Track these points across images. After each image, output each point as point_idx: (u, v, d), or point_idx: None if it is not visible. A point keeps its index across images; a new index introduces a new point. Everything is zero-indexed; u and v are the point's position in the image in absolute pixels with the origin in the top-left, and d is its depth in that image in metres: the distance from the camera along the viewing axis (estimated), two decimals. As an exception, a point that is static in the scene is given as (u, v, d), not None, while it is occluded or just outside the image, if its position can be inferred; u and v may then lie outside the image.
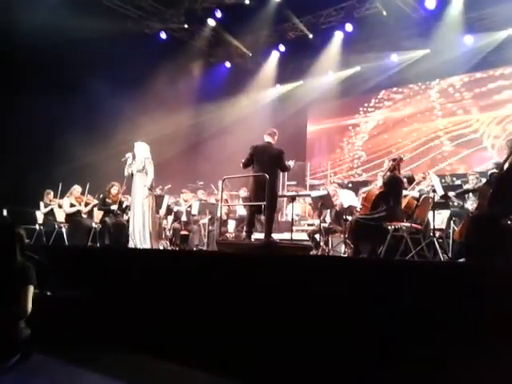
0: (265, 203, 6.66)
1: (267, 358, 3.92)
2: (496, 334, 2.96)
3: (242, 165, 7.14)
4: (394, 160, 6.50)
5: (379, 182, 6.53)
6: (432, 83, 12.95)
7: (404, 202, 6.48)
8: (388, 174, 6.39)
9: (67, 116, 9.98)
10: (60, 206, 9.34)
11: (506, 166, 5.02)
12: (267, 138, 7.14)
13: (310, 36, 12.82)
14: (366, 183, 10.35)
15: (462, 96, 12.38)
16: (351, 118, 14.41)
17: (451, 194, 6.95)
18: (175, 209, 9.78)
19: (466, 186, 7.56)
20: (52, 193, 9.58)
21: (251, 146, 7.06)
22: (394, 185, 6.30)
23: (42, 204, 9.56)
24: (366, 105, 14.18)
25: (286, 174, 11.52)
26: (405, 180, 6.97)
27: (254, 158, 6.96)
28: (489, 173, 6.71)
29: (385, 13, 11.25)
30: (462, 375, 3.02)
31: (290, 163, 7.19)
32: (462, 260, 4.86)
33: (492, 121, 11.78)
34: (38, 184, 9.58)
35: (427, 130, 12.83)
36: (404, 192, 6.66)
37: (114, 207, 8.62)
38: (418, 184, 7.16)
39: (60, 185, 9.41)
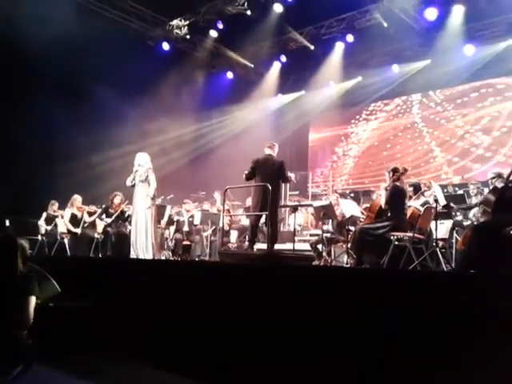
0: (267, 213, 6.73)
1: (269, 368, 3.90)
2: (498, 343, 2.94)
3: (244, 177, 7.29)
4: (395, 171, 6.48)
5: (382, 193, 6.51)
6: (433, 93, 12.97)
7: (409, 213, 6.46)
8: (392, 184, 6.38)
9: (71, 126, 10.01)
10: (63, 217, 9.34)
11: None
12: (268, 151, 7.35)
13: (312, 47, 12.88)
14: (368, 193, 10.33)
15: (463, 106, 12.40)
16: (353, 128, 14.44)
17: (454, 207, 7.00)
18: (175, 218, 9.77)
19: (471, 200, 7.57)
20: (57, 204, 9.58)
21: (253, 160, 7.26)
22: (397, 195, 6.29)
23: (44, 214, 9.56)
24: (367, 115, 14.21)
25: (288, 184, 11.55)
26: (411, 189, 6.95)
27: (256, 170, 7.11)
28: (489, 180, 6.73)
29: (385, 24, 11.30)
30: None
31: (291, 175, 7.35)
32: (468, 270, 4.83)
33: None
34: (41, 194, 9.59)
35: (431, 139, 12.84)
36: (409, 203, 6.66)
37: (108, 220, 8.70)
38: (423, 194, 7.14)
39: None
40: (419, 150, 12.93)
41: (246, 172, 7.29)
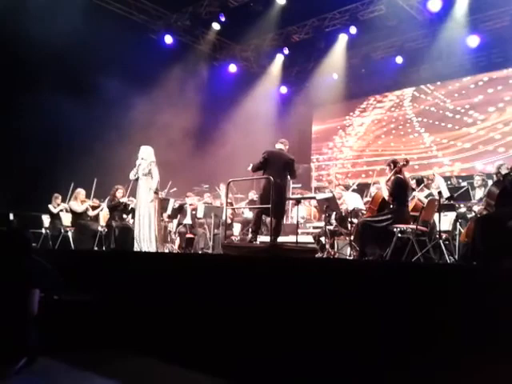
0: (274, 206, 6.72)
1: (272, 360, 3.91)
2: (502, 335, 2.94)
3: (252, 168, 7.23)
4: (395, 163, 6.45)
5: (383, 185, 6.48)
6: (435, 85, 12.91)
7: (411, 205, 6.45)
8: (394, 176, 6.36)
9: (75, 120, 10.00)
10: (67, 211, 9.37)
11: None
12: (279, 145, 7.38)
13: (315, 39, 12.84)
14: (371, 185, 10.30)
15: (468, 97, 12.34)
16: (356, 120, 14.40)
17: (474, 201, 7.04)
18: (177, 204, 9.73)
19: (475, 192, 7.53)
20: (60, 197, 9.61)
21: (265, 151, 7.19)
22: (400, 187, 6.27)
23: (51, 206, 9.58)
24: (370, 106, 14.17)
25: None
26: (413, 182, 6.94)
27: (268, 163, 7.08)
28: (493, 174, 6.69)
29: (389, 15, 11.25)
30: (466, 375, 3.01)
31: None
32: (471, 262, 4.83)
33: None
34: (44, 188, 9.60)
35: (436, 131, 12.79)
36: (413, 193, 6.66)
37: (124, 199, 8.70)
38: (426, 186, 7.12)
39: (71, 187, 9.46)
40: (425, 141, 12.90)
41: (256, 163, 7.20)
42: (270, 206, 6.68)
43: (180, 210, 9.71)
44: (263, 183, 7.19)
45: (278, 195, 6.84)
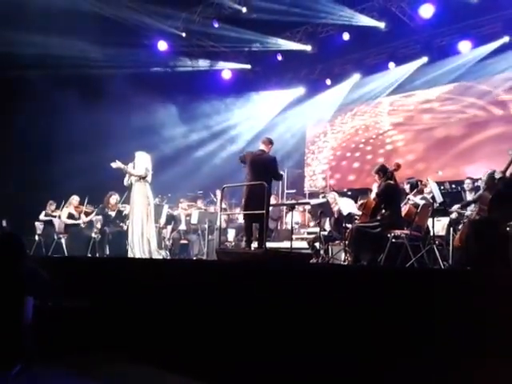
0: (261, 211, 6.69)
1: (268, 366, 3.91)
2: (497, 339, 2.96)
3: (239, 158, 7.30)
4: (383, 170, 6.44)
5: (374, 191, 6.51)
6: (428, 91, 12.97)
7: (404, 210, 6.47)
8: (384, 182, 6.37)
9: (70, 125, 9.99)
10: (60, 217, 9.35)
11: (508, 172, 5.06)
12: (261, 147, 7.22)
13: (308, 45, 12.92)
14: (365, 191, 10.34)
15: (460, 102, 12.41)
16: (350, 125, 14.43)
17: (455, 207, 7.07)
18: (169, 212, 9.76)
19: (465, 196, 7.58)
20: (55, 204, 9.60)
21: (246, 151, 7.16)
22: (390, 193, 6.29)
23: (43, 213, 9.56)
24: (362, 111, 14.20)
25: (286, 182, 11.58)
26: (407, 186, 6.98)
27: (248, 165, 7.01)
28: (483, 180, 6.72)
29: (382, 22, 11.37)
30: (463, 378, 3.02)
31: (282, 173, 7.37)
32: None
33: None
34: (37, 195, 9.58)
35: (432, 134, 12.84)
36: (408, 196, 6.70)
37: (112, 213, 8.71)
38: (419, 191, 7.15)
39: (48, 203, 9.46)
40: (415, 148, 12.96)
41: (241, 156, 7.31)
42: (254, 212, 6.67)
43: (173, 218, 9.72)
44: (244, 189, 7.13)
45: (257, 200, 6.69)
